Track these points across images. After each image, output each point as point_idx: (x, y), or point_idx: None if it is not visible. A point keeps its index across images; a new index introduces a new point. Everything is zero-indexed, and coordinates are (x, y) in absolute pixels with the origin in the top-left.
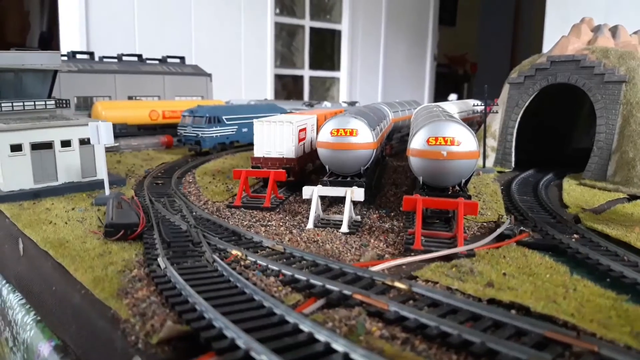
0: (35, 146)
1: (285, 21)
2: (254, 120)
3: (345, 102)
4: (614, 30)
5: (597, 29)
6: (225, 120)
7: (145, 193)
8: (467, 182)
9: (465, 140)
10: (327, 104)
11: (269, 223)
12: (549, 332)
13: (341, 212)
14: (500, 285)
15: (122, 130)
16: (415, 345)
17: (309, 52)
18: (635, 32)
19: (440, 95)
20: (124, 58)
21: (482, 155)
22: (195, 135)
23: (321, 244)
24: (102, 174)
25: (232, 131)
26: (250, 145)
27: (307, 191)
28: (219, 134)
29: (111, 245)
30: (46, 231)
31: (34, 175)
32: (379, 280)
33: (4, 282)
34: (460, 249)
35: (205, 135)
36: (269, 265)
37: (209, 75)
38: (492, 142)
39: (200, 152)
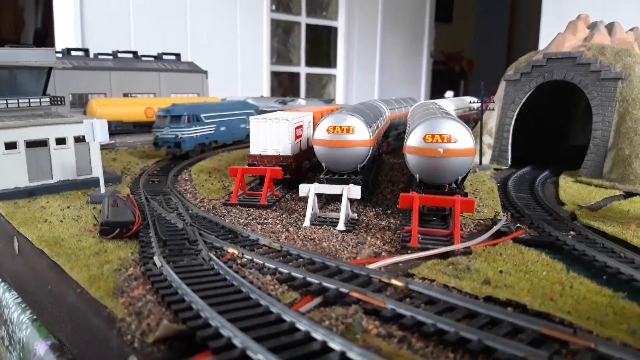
0: (30, 144)
1: (281, 18)
2: (250, 118)
3: (321, 100)
4: (610, 27)
5: (593, 26)
6: (204, 118)
7: (141, 191)
8: (463, 179)
9: (461, 138)
10: (301, 101)
11: (266, 221)
12: (545, 329)
13: (338, 210)
14: (496, 282)
15: (117, 128)
16: (411, 343)
17: (305, 49)
18: (631, 29)
19: (436, 92)
20: (119, 55)
21: (478, 153)
22: (174, 136)
23: (318, 242)
24: (97, 171)
25: (211, 130)
26: (227, 146)
27: (304, 189)
28: (198, 134)
29: (107, 244)
30: (41, 229)
31: (29, 173)
32: (375, 278)
33: (0, 280)
34: (457, 246)
35: (186, 136)
36: (266, 264)
37: (205, 72)
38: (488, 140)
39: (180, 155)
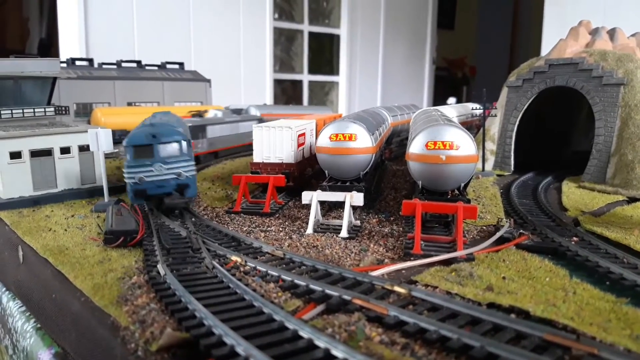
0: (34, 153)
1: (284, 26)
2: (253, 126)
3: (228, 107)
4: (612, 33)
5: (595, 32)
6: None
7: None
8: (466, 185)
9: (464, 144)
10: (217, 113)
11: (269, 228)
12: (548, 335)
13: (341, 217)
14: (499, 289)
15: (121, 137)
16: (414, 350)
17: (307, 56)
18: (633, 35)
19: (439, 98)
20: (123, 64)
21: (481, 159)
22: (174, 176)
23: (321, 249)
24: (101, 180)
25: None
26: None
27: (307, 196)
28: (194, 169)
29: (111, 252)
30: (46, 238)
31: (34, 183)
32: (378, 285)
33: (4, 289)
34: (460, 253)
35: (191, 173)
36: (269, 271)
37: (208, 80)
38: (491, 146)
39: (185, 207)
